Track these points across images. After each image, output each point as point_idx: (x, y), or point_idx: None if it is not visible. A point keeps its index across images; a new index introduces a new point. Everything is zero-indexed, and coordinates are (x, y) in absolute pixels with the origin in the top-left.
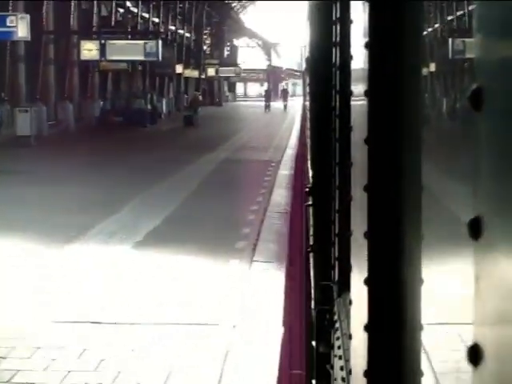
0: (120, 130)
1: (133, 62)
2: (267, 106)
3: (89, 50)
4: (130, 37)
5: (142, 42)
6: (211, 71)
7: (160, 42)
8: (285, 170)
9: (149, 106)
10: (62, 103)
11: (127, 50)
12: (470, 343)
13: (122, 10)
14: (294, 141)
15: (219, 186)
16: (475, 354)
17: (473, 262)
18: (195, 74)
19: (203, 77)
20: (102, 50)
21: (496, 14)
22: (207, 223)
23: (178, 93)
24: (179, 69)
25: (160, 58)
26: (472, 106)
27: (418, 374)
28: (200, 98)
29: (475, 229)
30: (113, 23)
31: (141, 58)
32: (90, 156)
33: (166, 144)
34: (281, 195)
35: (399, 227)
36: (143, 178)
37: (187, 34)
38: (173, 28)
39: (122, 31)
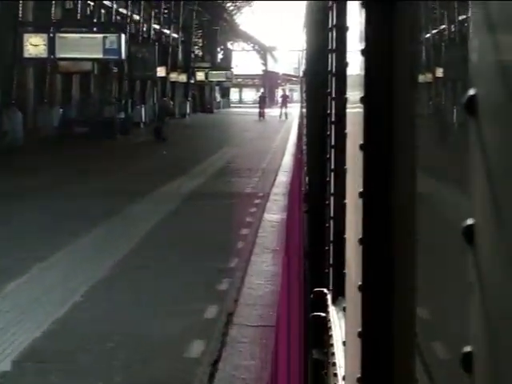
0: (79, 143)
1: (105, 63)
2: (261, 114)
3: (34, 45)
4: (96, 30)
5: (100, 35)
6: (200, 75)
7: (123, 36)
8: (274, 213)
9: (122, 115)
10: (9, 111)
11: (82, 46)
12: (464, 349)
13: (92, 4)
14: (289, 160)
15: (166, 253)
16: (469, 361)
17: (467, 267)
18: (183, 78)
19: (192, 81)
20: (51, 45)
21: (491, 19)
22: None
23: (162, 99)
24: (162, 72)
25: (123, 56)
26: (467, 111)
27: (412, 380)
28: (170, 104)
29: (470, 234)
30: (79, 17)
31: (99, 55)
32: (14, 187)
33: (124, 164)
34: (264, 275)
35: (394, 233)
36: (57, 231)
37: (174, 35)
38: (156, 26)
39: (77, 23)
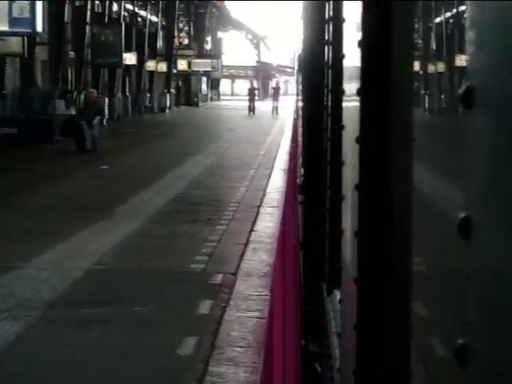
0: None
1: (55, 45)
2: (251, 109)
3: None
4: None
5: (5, 1)
6: (183, 64)
7: (39, 1)
8: (241, 342)
9: (73, 111)
10: None
11: None
12: (458, 342)
13: None
14: (278, 181)
15: None
16: (464, 354)
17: (463, 261)
18: (163, 67)
19: (175, 71)
20: None
21: (489, 13)
22: None
23: (138, 91)
24: (132, 59)
25: (38, 28)
26: (463, 104)
27: (407, 373)
28: (98, 98)
29: (465, 228)
30: None
31: (4, 27)
32: None
33: (24, 191)
34: None
35: (390, 226)
36: None
37: (153, 18)
38: (130, 7)
39: None
